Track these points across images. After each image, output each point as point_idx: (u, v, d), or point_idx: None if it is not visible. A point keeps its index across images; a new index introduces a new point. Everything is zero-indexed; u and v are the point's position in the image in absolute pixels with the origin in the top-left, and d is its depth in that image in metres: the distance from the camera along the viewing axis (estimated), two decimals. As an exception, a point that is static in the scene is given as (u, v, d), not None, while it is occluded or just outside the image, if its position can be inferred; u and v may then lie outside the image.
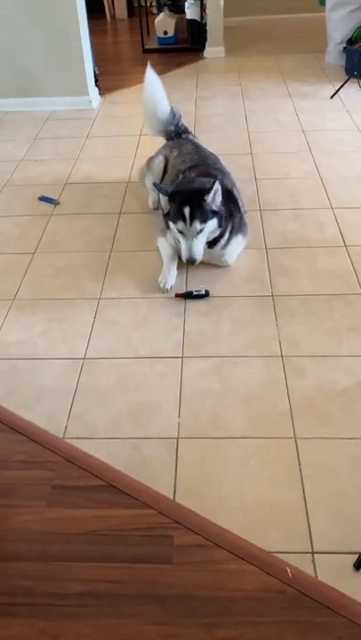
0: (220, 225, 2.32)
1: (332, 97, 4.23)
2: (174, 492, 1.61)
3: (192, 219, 2.23)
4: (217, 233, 2.33)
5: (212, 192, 2.27)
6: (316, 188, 3.05)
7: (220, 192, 2.31)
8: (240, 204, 2.55)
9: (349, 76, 4.28)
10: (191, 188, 2.33)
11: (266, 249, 2.59)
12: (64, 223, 2.87)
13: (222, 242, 2.39)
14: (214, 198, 2.29)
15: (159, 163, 2.84)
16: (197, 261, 2.27)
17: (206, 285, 2.39)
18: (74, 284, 2.43)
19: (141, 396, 1.90)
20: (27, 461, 1.72)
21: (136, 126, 3.94)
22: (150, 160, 2.92)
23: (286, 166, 3.29)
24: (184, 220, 2.24)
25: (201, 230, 2.25)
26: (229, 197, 2.46)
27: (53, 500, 1.60)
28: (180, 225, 2.25)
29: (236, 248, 2.50)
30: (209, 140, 3.45)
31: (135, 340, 2.13)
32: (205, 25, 5.30)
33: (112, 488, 1.63)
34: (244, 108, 4.15)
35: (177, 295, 2.32)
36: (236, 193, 2.56)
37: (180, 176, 2.58)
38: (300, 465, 1.66)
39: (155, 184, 2.59)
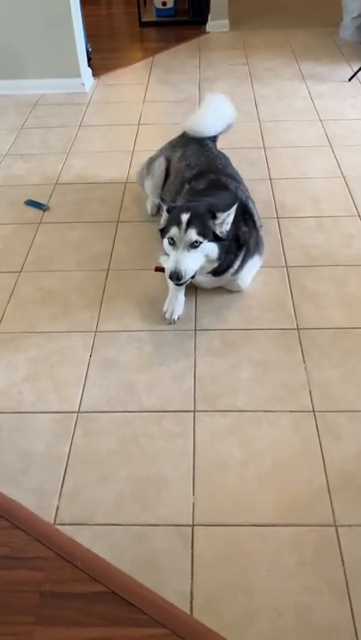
0: (219, 257, 1.93)
1: (350, 79, 3.82)
2: (191, 603, 1.31)
3: (188, 225, 1.86)
4: (215, 264, 1.96)
5: (226, 214, 1.91)
6: (340, 191, 2.69)
7: (232, 217, 1.94)
8: (256, 219, 2.19)
9: (371, 55, 3.87)
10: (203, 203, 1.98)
11: (286, 267, 2.25)
12: (54, 234, 2.51)
13: (233, 269, 2.05)
14: (225, 221, 1.92)
15: (160, 165, 2.47)
16: (184, 280, 1.86)
17: (220, 315, 2.06)
18: (66, 313, 2.10)
19: (148, 466, 1.59)
20: (10, 557, 1.41)
21: (134, 113, 3.54)
22: (150, 161, 2.55)
23: (304, 163, 2.92)
24: (178, 224, 1.87)
25: (196, 244, 1.85)
26: (244, 212, 2.11)
27: (43, 615, 1.30)
28: (173, 231, 1.88)
29: (251, 270, 2.15)
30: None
31: (138, 388, 1.80)
32: (208, -5, 4.84)
33: (115, 597, 1.32)
34: (253, 92, 3.74)
35: (157, 269, 2.06)
36: (251, 206, 2.20)
37: (186, 186, 2.21)
38: (343, 566, 1.36)
39: (162, 199, 2.20)
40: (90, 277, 2.25)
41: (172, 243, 1.90)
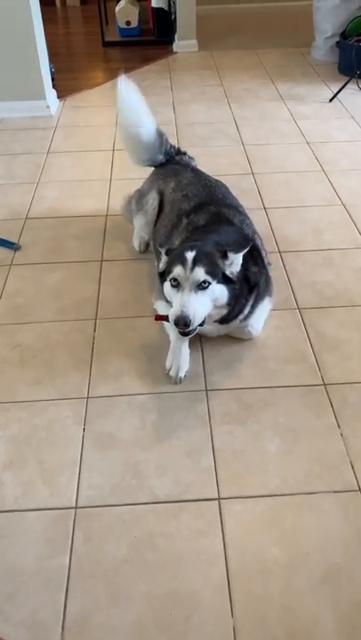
0: (229, 302, 1.66)
1: (331, 100, 3.67)
2: None
3: (195, 263, 1.59)
4: (223, 311, 1.68)
5: (238, 255, 1.65)
6: (342, 221, 2.47)
7: (241, 258, 1.68)
8: (264, 256, 1.93)
9: (350, 76, 3.72)
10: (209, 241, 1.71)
11: (299, 309, 2.00)
12: (29, 278, 2.18)
13: (243, 314, 1.78)
14: (235, 262, 1.66)
15: (153, 200, 2.18)
16: (192, 328, 1.57)
17: (232, 369, 1.77)
18: (50, 376, 1.76)
19: (170, 578, 1.27)
20: None
21: (107, 137, 3.25)
22: (140, 195, 2.26)
23: (299, 190, 2.70)
24: (183, 263, 1.59)
25: (204, 284, 1.58)
26: (253, 249, 1.83)
27: None
28: (177, 270, 1.60)
29: (262, 315, 1.88)
30: (197, 157, 2.83)
31: (147, 471, 1.49)
32: (174, 14, 4.64)
33: None
34: (232, 114, 3.53)
35: (156, 318, 1.76)
36: (258, 242, 1.94)
37: (184, 220, 1.93)
38: None
39: (160, 244, 1.85)
40: (75, 329, 1.93)
41: (176, 285, 1.60)
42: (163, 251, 1.71)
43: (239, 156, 3.02)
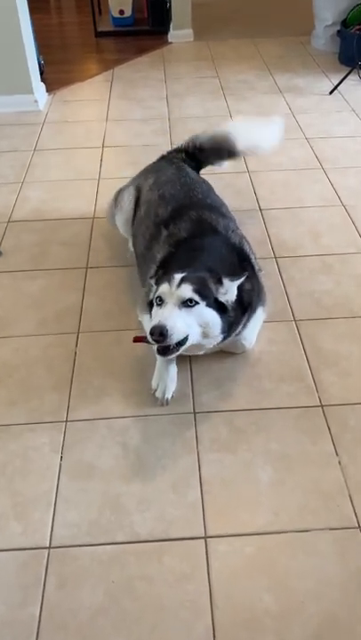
0: (223, 331, 1.52)
1: (331, 92, 3.51)
2: None
3: (182, 281, 1.46)
4: (216, 339, 1.53)
5: (233, 284, 1.53)
6: (342, 223, 2.34)
7: (235, 288, 1.54)
8: (254, 262, 1.79)
9: (351, 67, 3.57)
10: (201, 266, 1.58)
11: (295, 321, 1.87)
12: (9, 287, 2.05)
13: (236, 332, 1.63)
14: (230, 292, 1.53)
15: (129, 195, 2.06)
16: (169, 343, 1.41)
17: (222, 389, 1.65)
18: (26, 397, 1.64)
19: (150, 631, 1.15)
20: None
21: (96, 134, 3.11)
22: (119, 191, 2.14)
23: (297, 190, 2.56)
24: (170, 281, 1.47)
25: (190, 303, 1.44)
26: (242, 258, 1.71)
27: None
28: (163, 288, 1.47)
29: (255, 327, 1.75)
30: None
31: (128, 506, 1.37)
32: (169, 2, 4.47)
33: None
34: (227, 107, 3.38)
35: (136, 339, 1.61)
36: (247, 248, 1.80)
37: (164, 232, 1.76)
38: None
39: (150, 277, 1.65)
40: (56, 344, 1.81)
41: (160, 303, 1.48)
42: (152, 282, 1.58)
43: (235, 153, 2.88)
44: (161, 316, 1.43)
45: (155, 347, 1.46)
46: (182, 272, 1.48)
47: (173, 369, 1.65)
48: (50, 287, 2.04)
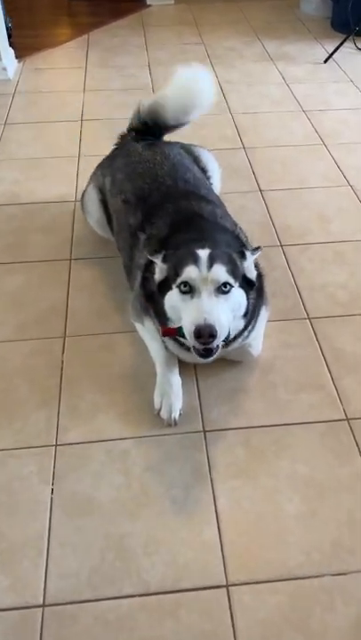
0: (246, 313, 1.35)
1: (325, 61, 3.27)
2: None
3: (213, 261, 1.25)
4: (241, 324, 1.36)
5: (254, 257, 1.36)
6: (351, 206, 2.13)
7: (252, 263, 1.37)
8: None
9: (346, 34, 3.32)
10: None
11: (309, 319, 1.67)
12: (-19, 283, 1.81)
13: (248, 331, 1.43)
14: (251, 266, 1.35)
15: (91, 199, 1.84)
16: (216, 342, 1.22)
17: (234, 401, 1.44)
18: (8, 416, 1.41)
19: None
20: None
21: (74, 105, 2.82)
22: (83, 195, 1.93)
23: (298, 168, 2.34)
24: (196, 261, 1.25)
25: (225, 288, 1.25)
26: (239, 243, 1.49)
27: None
28: (189, 272, 1.25)
29: (260, 329, 1.54)
30: (181, 130, 2.46)
31: (134, 548, 1.16)
32: None
33: None
34: (216, 77, 3.10)
35: (164, 332, 1.37)
36: (242, 236, 1.57)
37: (142, 236, 1.53)
38: None
39: (154, 250, 1.40)
40: (39, 350, 1.57)
41: (188, 290, 1.25)
42: (157, 258, 1.35)
43: (227, 128, 2.63)
44: (203, 310, 1.20)
45: (194, 348, 1.25)
46: (205, 247, 1.28)
47: (177, 382, 1.43)
48: (29, 283, 1.79)
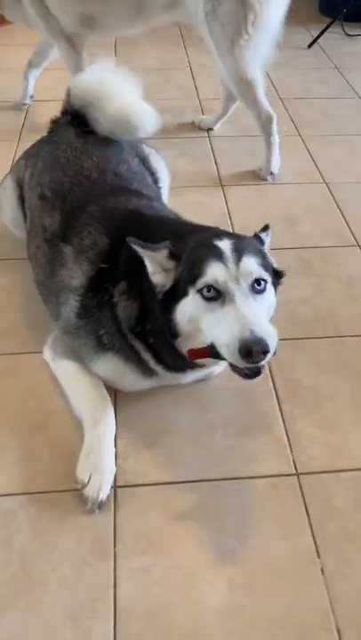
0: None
1: (309, 46, 2.99)
2: None
3: (240, 253, 1.00)
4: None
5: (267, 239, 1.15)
6: (325, 206, 1.85)
7: None
8: None
9: (333, 17, 3.03)
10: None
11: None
12: None
13: None
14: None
15: (5, 193, 1.53)
16: (267, 360, 0.94)
17: (158, 446, 1.15)
18: None
19: None
20: None
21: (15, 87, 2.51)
22: None
23: (268, 162, 2.06)
24: (221, 257, 0.99)
25: (258, 285, 0.99)
26: None
27: None
28: (213, 272, 0.98)
29: None
30: (139, 114, 2.17)
31: (-1, 653, 0.89)
32: None
33: None
34: (187, 59, 2.82)
35: (192, 355, 1.05)
36: None
37: (67, 250, 1.22)
38: None
39: (133, 242, 1.07)
40: None
41: (214, 296, 0.97)
42: (159, 253, 1.04)
43: (193, 114, 2.33)
44: (247, 320, 0.93)
45: (236, 369, 0.98)
46: (223, 237, 1.03)
47: (112, 448, 1.11)
48: None
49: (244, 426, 1.20)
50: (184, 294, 1.01)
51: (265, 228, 1.15)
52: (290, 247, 1.67)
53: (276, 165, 1.95)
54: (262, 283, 0.99)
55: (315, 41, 2.99)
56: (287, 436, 1.18)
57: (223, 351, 0.95)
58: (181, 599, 0.94)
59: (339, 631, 0.91)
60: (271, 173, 1.94)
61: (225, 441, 1.17)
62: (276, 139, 1.91)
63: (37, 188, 1.38)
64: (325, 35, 2.98)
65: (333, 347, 1.38)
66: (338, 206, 1.84)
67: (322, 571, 0.98)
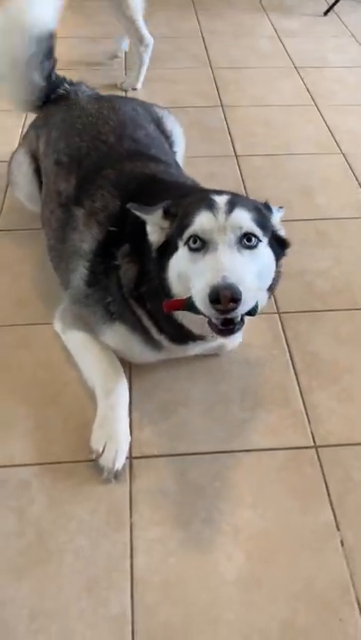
0: (272, 285, 1.04)
1: (325, 13, 2.89)
2: None
3: (233, 206, 0.95)
4: (264, 299, 1.02)
5: (280, 214, 1.09)
6: (341, 176, 1.80)
7: None
8: None
9: (351, -19, 2.93)
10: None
11: (279, 314, 1.35)
12: None
13: None
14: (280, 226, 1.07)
15: (20, 166, 1.47)
16: (242, 304, 0.86)
17: (173, 417, 1.13)
18: None
19: None
20: None
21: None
22: (10, 158, 1.54)
23: (283, 132, 1.99)
24: (211, 207, 0.95)
25: (248, 241, 0.94)
26: None
27: None
28: (201, 220, 0.94)
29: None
30: (150, 83, 2.13)
31: (14, 621, 0.87)
32: None
33: None
34: (199, 27, 2.73)
35: (167, 306, 0.99)
36: None
37: (79, 213, 1.20)
38: None
39: (132, 206, 1.06)
40: None
41: (200, 247, 0.93)
42: (157, 213, 1.01)
43: (205, 83, 2.27)
44: (220, 266, 0.88)
45: (210, 322, 0.93)
46: (224, 194, 0.99)
47: (126, 417, 1.10)
48: None
49: (260, 398, 1.18)
50: (175, 249, 0.98)
51: (280, 208, 1.10)
52: (306, 218, 1.62)
53: (141, 82, 2.19)
54: (253, 239, 0.94)
55: (331, 8, 2.88)
56: (305, 408, 1.16)
57: (197, 300, 0.90)
58: (198, 570, 0.93)
59: (359, 604, 0.90)
60: (134, 89, 2.18)
61: (241, 413, 1.15)
62: (147, 60, 2.18)
63: (54, 155, 1.34)
64: (342, 1, 2.88)
65: (352, 319, 1.34)
66: (355, 177, 1.79)
67: (341, 544, 0.96)
